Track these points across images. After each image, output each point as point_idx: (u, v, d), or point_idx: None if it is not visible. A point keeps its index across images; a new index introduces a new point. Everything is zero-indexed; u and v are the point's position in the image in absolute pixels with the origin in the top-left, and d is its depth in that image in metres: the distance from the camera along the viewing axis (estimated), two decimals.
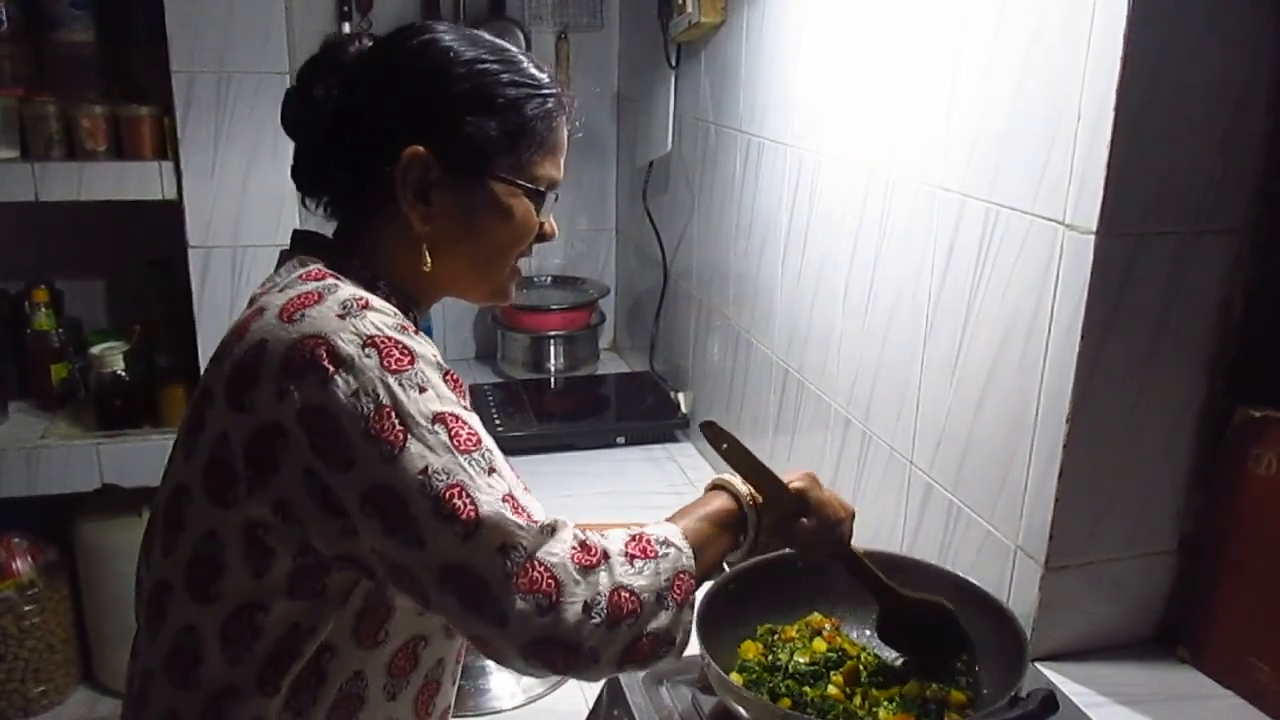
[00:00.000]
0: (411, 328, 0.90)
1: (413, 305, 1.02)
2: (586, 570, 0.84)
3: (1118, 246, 1.03)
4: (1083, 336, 1.05)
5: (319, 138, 0.99)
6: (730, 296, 2.00)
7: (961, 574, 1.13)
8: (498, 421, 2.19)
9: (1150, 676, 1.15)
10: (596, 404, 2.48)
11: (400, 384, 0.84)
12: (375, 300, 0.90)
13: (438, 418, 0.84)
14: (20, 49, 2.12)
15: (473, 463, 0.83)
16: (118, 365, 2.21)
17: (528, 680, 1.44)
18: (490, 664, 1.46)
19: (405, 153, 0.94)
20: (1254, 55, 1.01)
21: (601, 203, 2.80)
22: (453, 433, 0.84)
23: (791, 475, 1.07)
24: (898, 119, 1.37)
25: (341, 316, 0.86)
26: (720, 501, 1.00)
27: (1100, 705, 1.10)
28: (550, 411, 2.33)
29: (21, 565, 2.21)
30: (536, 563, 0.82)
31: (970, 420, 1.24)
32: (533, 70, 1.00)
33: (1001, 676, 1.01)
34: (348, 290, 0.90)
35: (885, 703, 1.03)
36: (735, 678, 1.05)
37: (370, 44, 1.00)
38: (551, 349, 2.59)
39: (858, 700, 1.04)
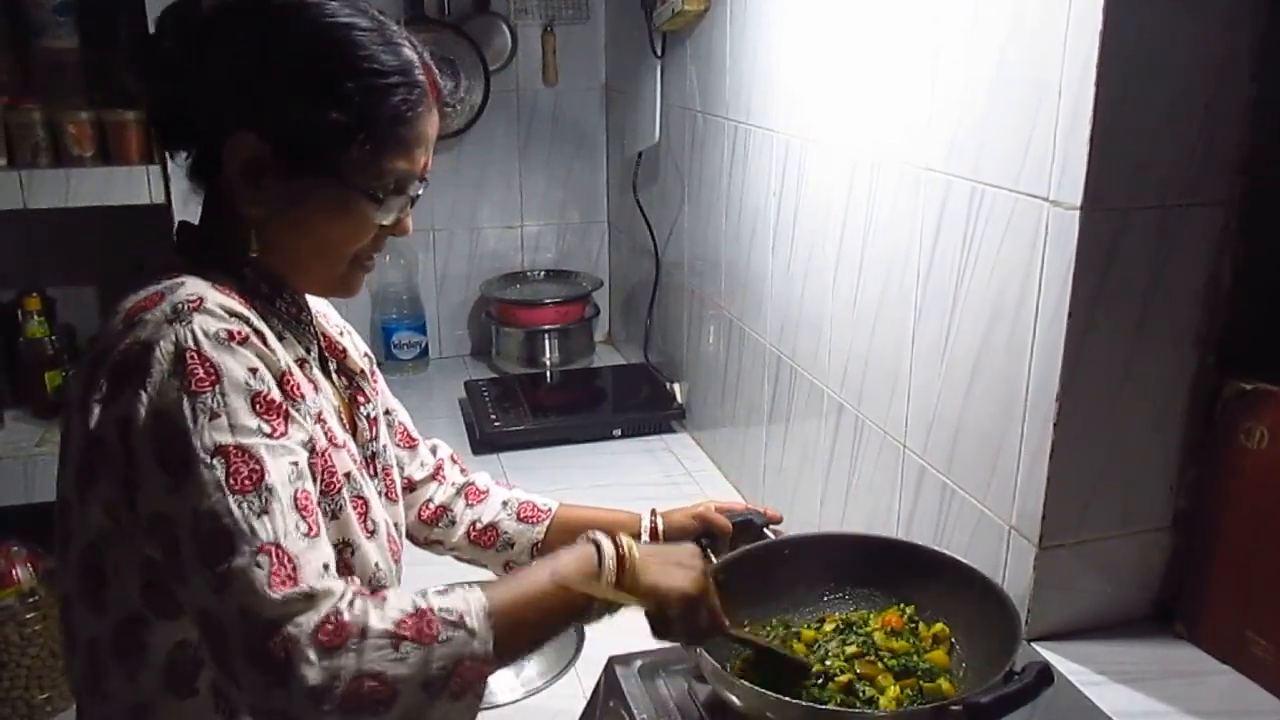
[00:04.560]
0: (243, 333, 0.85)
1: (284, 288, 0.98)
2: (327, 651, 0.76)
3: (1102, 221, 1.02)
4: (1070, 313, 1.05)
5: (167, 93, 0.93)
6: (722, 285, 1.99)
7: (956, 555, 1.13)
8: (494, 417, 2.19)
9: (1147, 653, 1.14)
10: (592, 397, 2.48)
11: (194, 408, 0.80)
12: (212, 299, 0.85)
13: (219, 450, 0.79)
14: (3, 56, 2.11)
15: (244, 504, 0.78)
16: None
17: (526, 673, 1.44)
18: None
19: (233, 135, 0.88)
20: (1235, 25, 1.00)
21: (592, 195, 2.79)
22: (231, 469, 0.79)
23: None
24: (881, 101, 1.37)
25: (170, 321, 0.83)
26: (574, 563, 0.91)
27: (1098, 684, 1.09)
28: (546, 406, 2.32)
29: (22, 573, 2.21)
30: (276, 632, 0.75)
31: (961, 402, 1.24)
32: (394, 55, 0.92)
33: (997, 656, 1.01)
34: (187, 288, 0.86)
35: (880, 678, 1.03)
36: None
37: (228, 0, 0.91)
38: (546, 343, 2.59)
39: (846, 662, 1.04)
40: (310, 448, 0.89)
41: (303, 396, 0.91)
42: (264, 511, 0.79)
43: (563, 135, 2.72)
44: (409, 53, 0.93)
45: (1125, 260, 1.05)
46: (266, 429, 0.82)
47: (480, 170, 2.69)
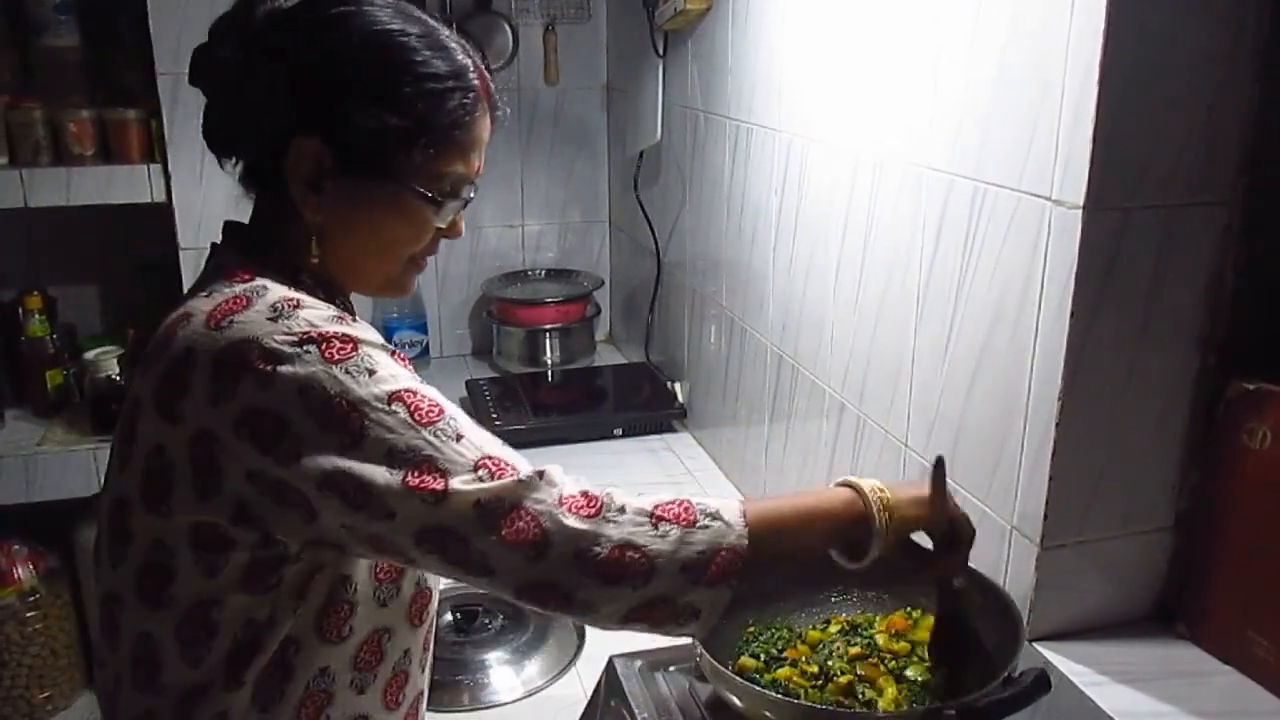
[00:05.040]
0: (347, 316, 0.88)
1: (338, 293, 0.99)
2: (583, 517, 0.80)
3: (1105, 221, 1.02)
4: (1072, 313, 1.04)
5: (225, 100, 0.95)
6: (724, 285, 1.99)
7: None
8: (495, 416, 2.19)
9: (1149, 654, 1.14)
10: (593, 396, 2.48)
11: (347, 372, 0.82)
12: (306, 299, 0.88)
13: (394, 396, 0.82)
14: (5, 55, 2.11)
15: (438, 433, 0.81)
16: (112, 370, 2.21)
17: (527, 673, 1.44)
18: (489, 658, 1.46)
19: (295, 141, 0.89)
20: (1239, 25, 1.00)
21: (594, 194, 2.79)
22: (412, 408, 0.82)
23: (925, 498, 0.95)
24: (883, 100, 1.36)
25: (273, 319, 0.84)
26: (831, 497, 0.92)
27: (1099, 684, 1.09)
28: (547, 405, 2.32)
29: (22, 572, 2.21)
30: (523, 511, 0.79)
31: (963, 401, 1.23)
32: (448, 61, 0.93)
33: (998, 657, 1.01)
34: (277, 292, 0.88)
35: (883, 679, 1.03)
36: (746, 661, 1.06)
37: (283, 5, 0.92)
38: (547, 342, 2.58)
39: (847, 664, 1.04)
40: None
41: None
42: (460, 435, 0.82)
43: (564, 134, 2.72)
44: (462, 58, 0.94)
45: (1127, 260, 1.04)
46: (417, 376, 0.86)
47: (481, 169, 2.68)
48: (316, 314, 0.86)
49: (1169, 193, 1.04)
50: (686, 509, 0.84)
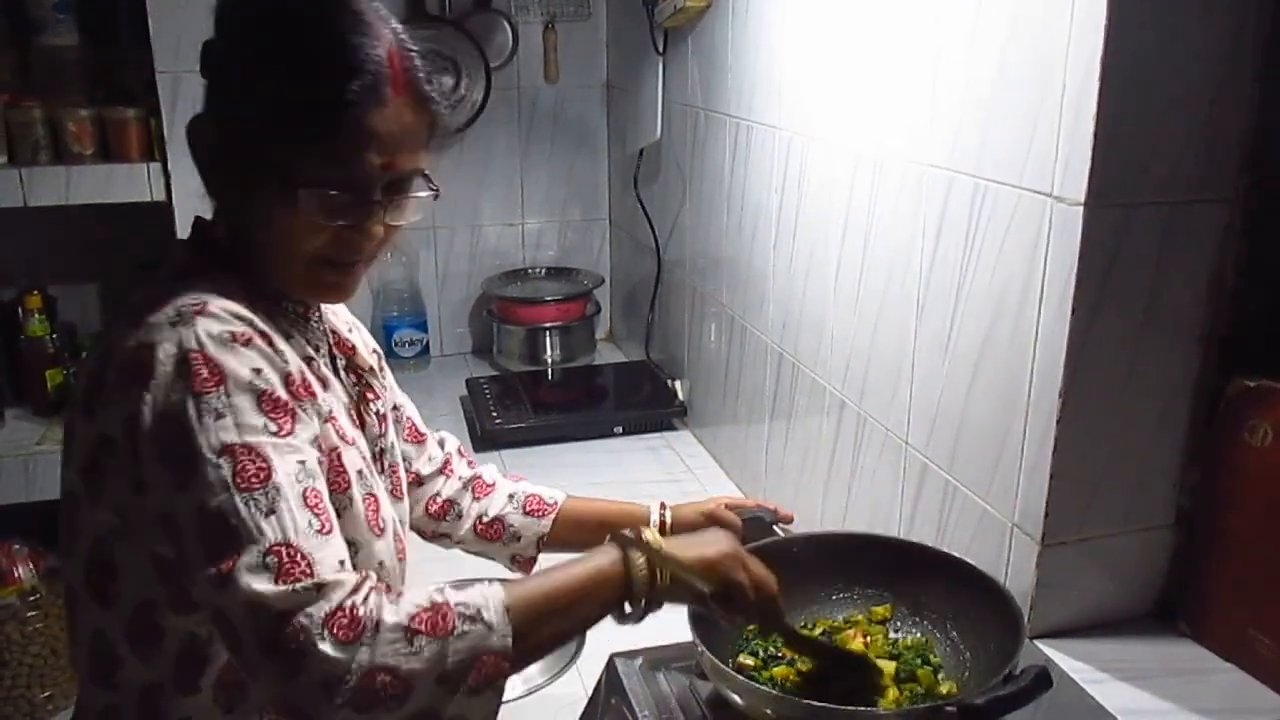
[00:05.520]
0: (246, 335, 0.84)
1: (282, 295, 0.95)
2: (340, 643, 0.75)
3: (1106, 218, 1.02)
4: (1073, 310, 1.04)
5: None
6: (724, 282, 1.99)
7: (958, 554, 1.13)
8: (495, 415, 2.19)
9: (1150, 651, 1.14)
10: (593, 394, 2.48)
11: (199, 408, 0.79)
12: (215, 304, 0.84)
13: (226, 449, 0.79)
14: (4, 54, 2.11)
15: (251, 503, 0.77)
16: None
17: (528, 670, 1.43)
18: None
19: (197, 120, 0.89)
20: (1240, 22, 1.00)
21: (594, 192, 2.79)
22: (238, 467, 0.78)
23: (711, 544, 0.97)
24: (884, 97, 1.36)
25: (173, 324, 0.82)
26: (600, 564, 0.90)
27: (1100, 681, 1.09)
28: (547, 403, 2.32)
29: (23, 572, 2.21)
30: (287, 623, 0.75)
31: (964, 398, 1.23)
32: (337, 42, 0.85)
33: (999, 655, 1.01)
34: (193, 292, 0.85)
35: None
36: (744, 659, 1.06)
37: None
38: (547, 341, 2.58)
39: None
40: (319, 446, 0.88)
41: (312, 395, 0.91)
42: (271, 510, 0.78)
43: (564, 132, 2.72)
44: (365, 39, 0.86)
45: (1129, 257, 1.04)
46: (273, 428, 0.82)
47: (481, 167, 2.69)
48: (210, 326, 0.82)
49: (1170, 190, 1.03)
50: (444, 615, 0.79)
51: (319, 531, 0.80)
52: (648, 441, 2.20)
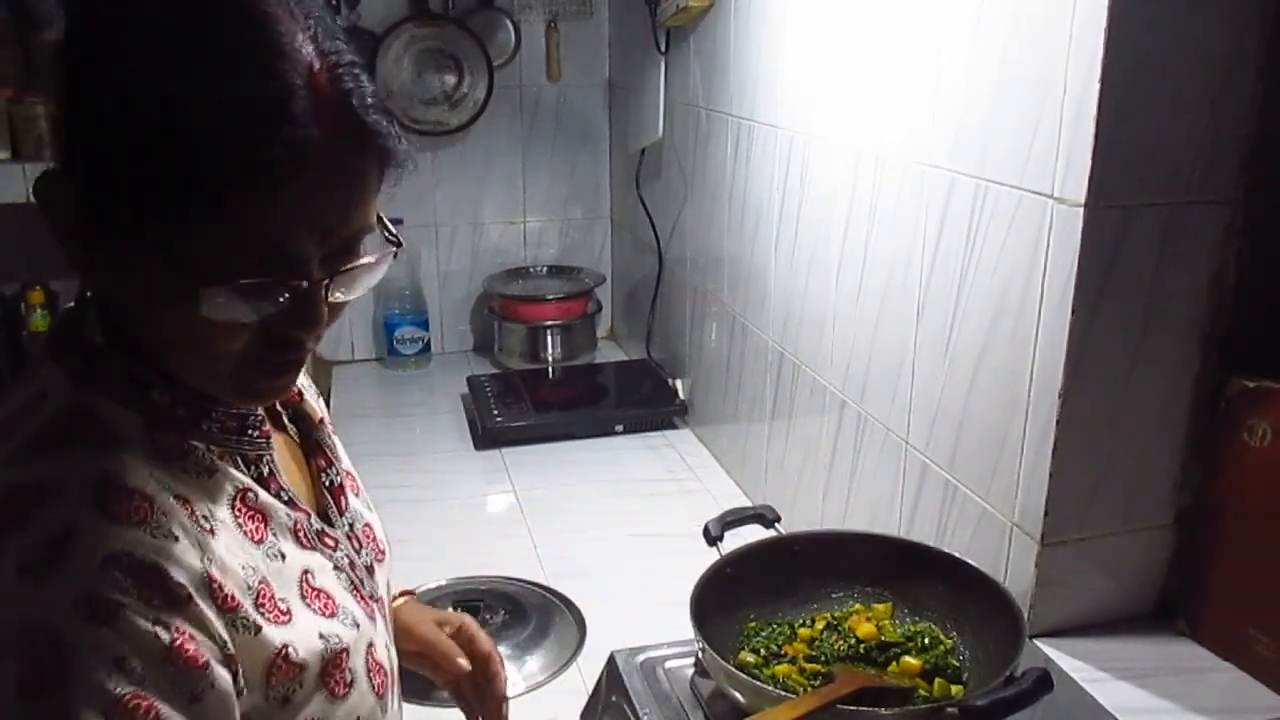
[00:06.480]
0: (121, 594, 0.60)
1: (204, 398, 0.71)
2: None
3: (1107, 218, 1.02)
4: (1074, 310, 1.05)
5: None
6: (725, 282, 1.99)
7: (958, 554, 1.13)
8: (496, 413, 2.19)
9: (1149, 650, 1.14)
10: (594, 393, 2.48)
11: (30, 712, 0.57)
12: (85, 519, 0.61)
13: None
14: (7, 50, 2.12)
15: None
16: None
17: (529, 668, 1.44)
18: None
19: (48, 179, 0.65)
20: (1241, 22, 1.00)
21: (595, 191, 2.79)
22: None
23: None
24: (885, 97, 1.37)
25: (21, 572, 0.59)
26: None
27: (1099, 680, 1.09)
28: (548, 401, 2.33)
29: None
30: None
31: (964, 398, 1.24)
32: (235, 78, 0.59)
33: (999, 655, 1.01)
34: (52, 468, 0.63)
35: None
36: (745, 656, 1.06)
37: None
38: (548, 339, 2.59)
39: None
40: (230, 701, 0.66)
41: (234, 608, 0.67)
42: None
43: (566, 131, 2.72)
44: (278, 57, 0.60)
45: (1129, 257, 1.05)
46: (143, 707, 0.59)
47: (483, 166, 2.69)
48: (81, 575, 0.59)
49: (1171, 191, 1.04)
50: None
51: None
52: (648, 440, 2.20)
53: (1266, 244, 1.07)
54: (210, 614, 0.65)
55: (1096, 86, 0.98)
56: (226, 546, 0.69)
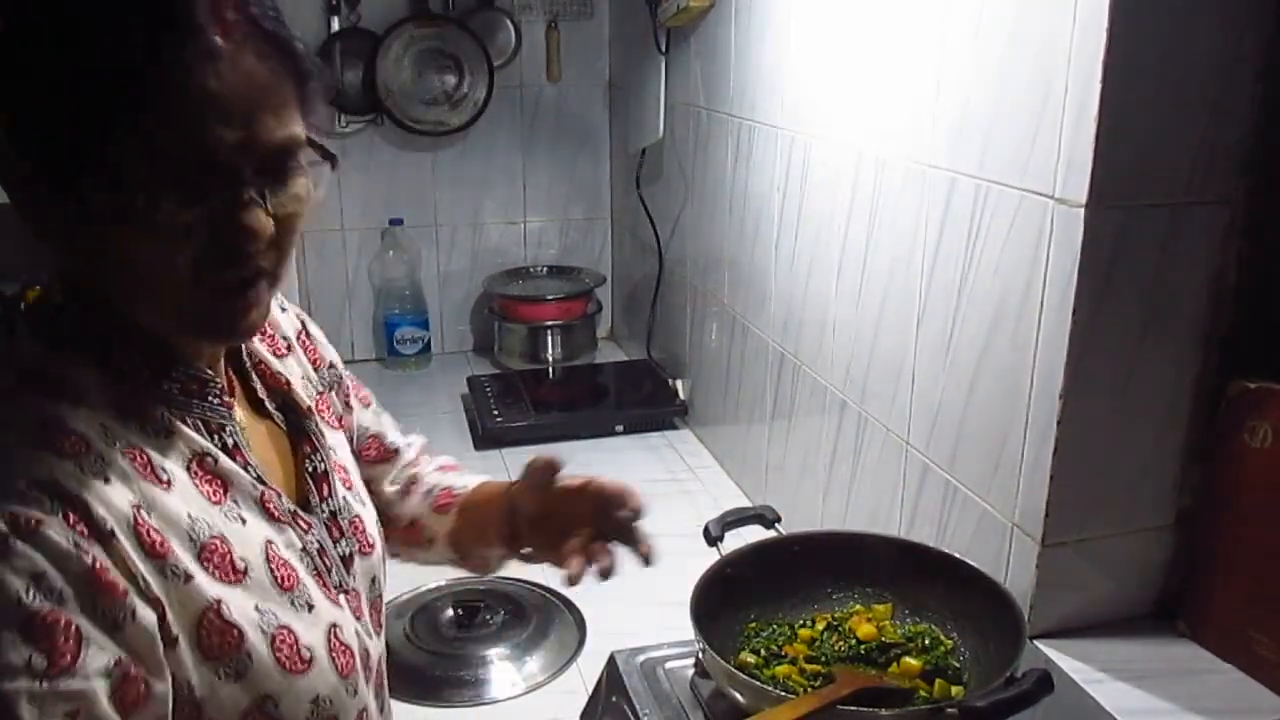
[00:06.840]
0: (32, 521, 0.61)
1: (173, 363, 0.74)
2: None
3: (1107, 219, 1.02)
4: (1074, 311, 1.05)
5: None
6: (725, 282, 1.99)
7: (958, 554, 1.13)
8: (496, 413, 2.19)
9: (1150, 652, 1.14)
10: (594, 393, 2.48)
11: None
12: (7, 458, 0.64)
13: None
14: None
15: None
16: None
17: (529, 668, 1.45)
18: (491, 653, 1.47)
19: None
20: (1242, 24, 1.00)
21: (596, 191, 2.79)
22: None
23: None
24: (886, 97, 1.37)
25: None
26: None
27: (1100, 681, 1.09)
28: (548, 402, 2.33)
29: None
30: None
31: (965, 399, 1.24)
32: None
33: (1000, 656, 1.01)
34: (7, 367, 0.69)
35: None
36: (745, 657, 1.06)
37: None
38: (549, 339, 2.59)
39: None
40: (152, 637, 0.67)
41: (162, 555, 0.68)
42: None
43: (566, 131, 2.72)
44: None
45: (1130, 258, 1.04)
46: (40, 663, 0.60)
47: (484, 166, 2.69)
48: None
49: (1171, 191, 1.04)
50: None
51: None
52: (648, 440, 2.20)
53: (1266, 244, 1.07)
54: (132, 553, 0.66)
55: (1097, 87, 0.98)
56: (182, 498, 0.71)
